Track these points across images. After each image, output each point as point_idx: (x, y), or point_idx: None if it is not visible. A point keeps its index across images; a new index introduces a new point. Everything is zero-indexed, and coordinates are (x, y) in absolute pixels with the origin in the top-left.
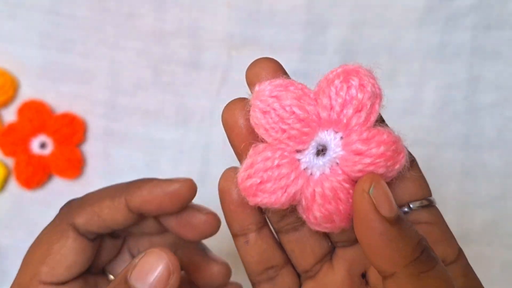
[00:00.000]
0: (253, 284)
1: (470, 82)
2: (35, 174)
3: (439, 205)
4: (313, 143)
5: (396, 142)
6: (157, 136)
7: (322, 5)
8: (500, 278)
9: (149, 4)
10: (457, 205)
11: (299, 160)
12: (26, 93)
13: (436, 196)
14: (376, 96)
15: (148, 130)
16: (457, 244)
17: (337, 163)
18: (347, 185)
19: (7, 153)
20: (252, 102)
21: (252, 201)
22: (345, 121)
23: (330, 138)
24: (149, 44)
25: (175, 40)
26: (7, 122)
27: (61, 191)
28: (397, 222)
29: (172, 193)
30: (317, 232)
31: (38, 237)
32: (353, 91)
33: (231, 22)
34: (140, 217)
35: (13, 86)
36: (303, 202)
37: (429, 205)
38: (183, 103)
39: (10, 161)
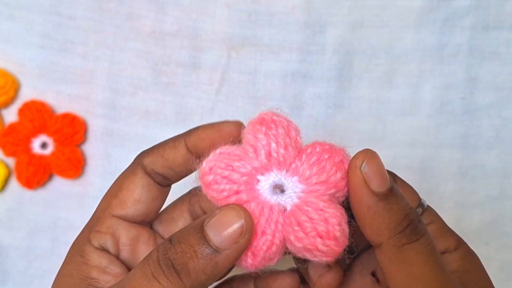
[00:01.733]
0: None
1: (468, 82)
2: (35, 174)
3: (437, 206)
4: (264, 187)
5: (334, 149)
6: (157, 136)
7: (321, 6)
8: (498, 278)
9: (149, 5)
10: (455, 205)
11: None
12: (27, 94)
13: (433, 196)
14: (296, 130)
15: (148, 130)
16: (455, 235)
17: (300, 196)
18: (314, 200)
19: (8, 153)
20: (201, 179)
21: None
22: (281, 159)
23: (279, 177)
24: (149, 45)
25: (175, 40)
26: (8, 122)
27: (61, 191)
28: (386, 196)
29: (222, 131)
30: None
31: (115, 179)
32: (279, 134)
33: (230, 23)
34: (199, 159)
35: (14, 87)
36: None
37: (423, 210)
38: (182, 103)
39: (11, 161)
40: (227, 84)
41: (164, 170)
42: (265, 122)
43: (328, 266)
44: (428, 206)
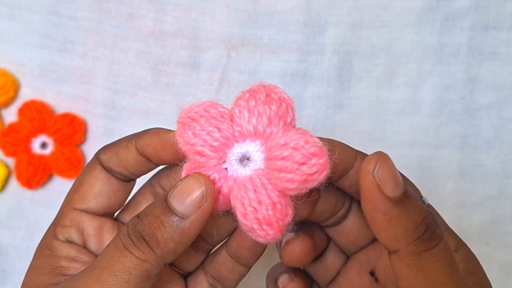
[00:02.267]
0: None
1: (468, 82)
2: (35, 174)
3: (436, 206)
4: (235, 155)
5: (315, 145)
6: None
7: (320, 6)
8: (498, 278)
9: (148, 5)
10: (455, 205)
11: (225, 168)
12: (27, 94)
13: (433, 196)
14: (285, 101)
15: None
16: (454, 236)
17: (262, 169)
18: (265, 180)
19: (8, 153)
20: (178, 120)
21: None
22: (261, 129)
23: (251, 148)
24: (149, 45)
25: (175, 40)
26: (7, 122)
27: (61, 190)
28: (401, 201)
29: (164, 141)
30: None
31: (79, 174)
32: (261, 104)
33: (230, 23)
34: (150, 162)
35: (14, 87)
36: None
37: (426, 205)
38: (182, 103)
39: (10, 161)
40: (226, 84)
41: (119, 169)
42: (254, 93)
43: (297, 233)
44: (428, 205)
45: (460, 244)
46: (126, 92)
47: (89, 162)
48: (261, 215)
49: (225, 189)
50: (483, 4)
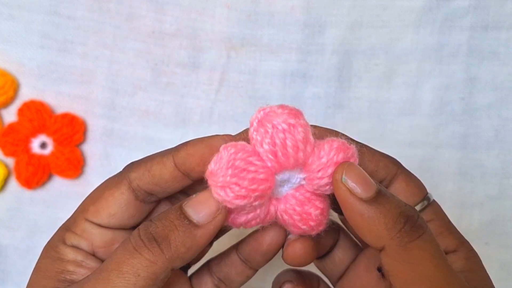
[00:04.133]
0: None
1: (468, 82)
2: (35, 174)
3: None
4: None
5: (344, 144)
6: (156, 136)
7: (320, 6)
8: (498, 278)
9: (148, 5)
10: (455, 205)
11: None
12: (26, 94)
13: (433, 196)
14: (305, 126)
15: (147, 130)
16: (455, 234)
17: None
18: (308, 194)
19: (7, 153)
20: (211, 186)
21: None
22: (295, 160)
23: (291, 174)
24: (149, 45)
25: (175, 40)
26: (7, 122)
27: (61, 190)
28: (376, 199)
29: (212, 146)
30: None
31: (100, 184)
32: (283, 134)
33: (229, 23)
34: (186, 178)
35: (13, 87)
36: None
37: (429, 204)
38: (182, 103)
39: (10, 161)
40: (226, 84)
41: (150, 186)
42: (271, 123)
43: (301, 236)
44: (433, 201)
45: (461, 243)
46: (126, 92)
47: (115, 177)
48: (313, 222)
49: (271, 210)
50: (482, 4)
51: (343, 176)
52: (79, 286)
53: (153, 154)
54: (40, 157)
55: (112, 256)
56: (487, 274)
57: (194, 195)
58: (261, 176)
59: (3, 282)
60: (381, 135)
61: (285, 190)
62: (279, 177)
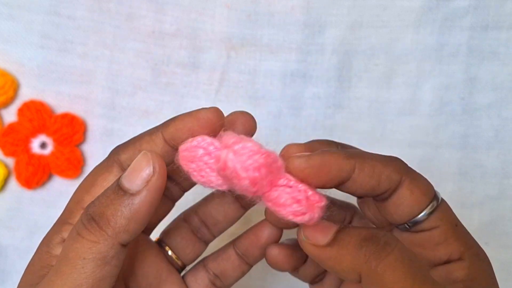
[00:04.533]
0: None
1: (467, 82)
2: (35, 174)
3: None
4: None
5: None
6: None
7: (320, 6)
8: (498, 278)
9: (148, 5)
10: (454, 205)
11: None
12: (26, 94)
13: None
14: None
15: None
16: (461, 240)
17: None
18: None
19: (7, 153)
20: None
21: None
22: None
23: None
24: (149, 45)
25: (174, 40)
26: (7, 122)
27: (61, 190)
28: (335, 239)
29: (200, 119)
30: None
31: (89, 173)
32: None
33: (229, 23)
34: (176, 151)
35: (13, 87)
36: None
37: (437, 206)
38: (182, 103)
39: (10, 161)
40: (226, 84)
41: None
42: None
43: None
44: (441, 203)
45: (467, 249)
46: (126, 92)
47: (104, 162)
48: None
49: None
50: (482, 4)
51: (303, 234)
52: (43, 282)
53: (140, 134)
54: (40, 157)
55: (63, 246)
56: (492, 280)
57: (132, 162)
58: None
59: (3, 282)
60: (381, 135)
61: None
62: None
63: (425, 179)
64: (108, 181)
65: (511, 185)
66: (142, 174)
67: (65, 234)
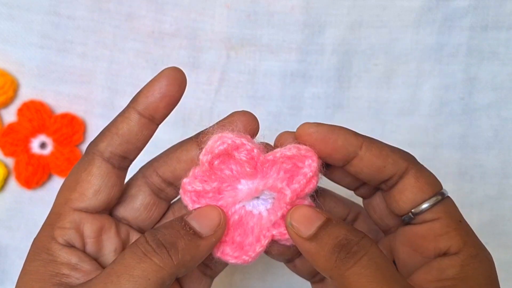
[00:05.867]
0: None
1: (467, 82)
2: (35, 174)
3: None
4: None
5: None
6: (156, 136)
7: (320, 6)
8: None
9: (148, 5)
10: None
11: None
12: (26, 94)
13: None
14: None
15: None
16: (463, 235)
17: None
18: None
19: (7, 153)
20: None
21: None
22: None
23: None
24: (148, 45)
25: (174, 40)
26: (7, 122)
27: None
28: (316, 235)
29: (168, 77)
30: None
31: (70, 173)
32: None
33: (229, 23)
34: (153, 122)
35: (13, 87)
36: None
37: (442, 198)
38: (182, 103)
39: (10, 161)
40: (226, 84)
41: (123, 147)
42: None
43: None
44: (447, 198)
45: (465, 246)
46: (126, 92)
47: (83, 158)
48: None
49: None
50: (482, 4)
51: (289, 220)
52: None
53: (112, 120)
54: (40, 157)
55: (119, 260)
56: (490, 280)
57: (193, 210)
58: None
59: (3, 282)
60: (380, 135)
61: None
62: (245, 185)
63: (432, 174)
64: (92, 173)
65: (510, 185)
66: (213, 222)
67: (60, 240)
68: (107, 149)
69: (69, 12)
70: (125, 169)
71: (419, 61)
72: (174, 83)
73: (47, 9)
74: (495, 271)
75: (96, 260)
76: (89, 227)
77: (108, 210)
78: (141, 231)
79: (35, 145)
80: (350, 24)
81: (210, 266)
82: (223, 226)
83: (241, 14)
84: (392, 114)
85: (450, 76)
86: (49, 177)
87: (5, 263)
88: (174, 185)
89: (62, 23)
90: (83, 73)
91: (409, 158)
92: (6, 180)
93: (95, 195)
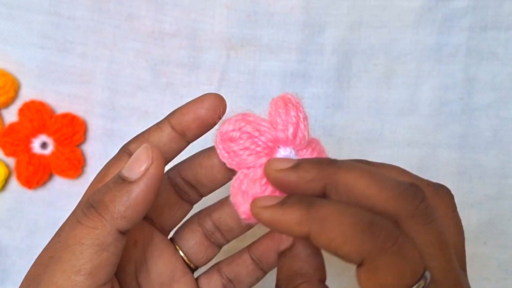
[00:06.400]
0: None
1: (466, 82)
2: (35, 174)
3: None
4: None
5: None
6: None
7: (320, 6)
8: (496, 277)
9: (148, 5)
10: None
11: None
12: (27, 94)
13: None
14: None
15: None
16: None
17: None
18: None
19: (8, 153)
20: (217, 145)
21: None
22: (298, 141)
23: (287, 153)
24: (148, 45)
25: (174, 40)
26: (8, 122)
27: (61, 190)
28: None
29: (205, 102)
30: None
31: (100, 170)
32: (294, 118)
33: (229, 23)
34: (183, 138)
35: (14, 87)
36: None
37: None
38: (182, 103)
39: (11, 161)
40: (226, 84)
41: None
42: (293, 103)
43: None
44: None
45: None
46: (126, 92)
47: (115, 155)
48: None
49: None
50: (481, 5)
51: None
52: (45, 271)
53: (148, 127)
54: (41, 157)
55: (58, 234)
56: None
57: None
58: (269, 131)
59: (3, 282)
60: (379, 135)
61: None
62: (284, 150)
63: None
64: (119, 168)
65: (509, 185)
66: (141, 164)
67: None
68: (135, 151)
69: (69, 12)
70: None
71: (419, 61)
72: (211, 108)
73: (47, 9)
74: None
75: None
76: None
77: None
78: (163, 231)
79: (36, 145)
80: (350, 24)
81: (225, 234)
82: (156, 164)
83: (241, 14)
84: (392, 114)
85: (450, 76)
86: (49, 177)
87: (5, 263)
88: (196, 188)
89: (62, 23)
90: (83, 73)
91: (365, 250)
92: (7, 180)
93: None
